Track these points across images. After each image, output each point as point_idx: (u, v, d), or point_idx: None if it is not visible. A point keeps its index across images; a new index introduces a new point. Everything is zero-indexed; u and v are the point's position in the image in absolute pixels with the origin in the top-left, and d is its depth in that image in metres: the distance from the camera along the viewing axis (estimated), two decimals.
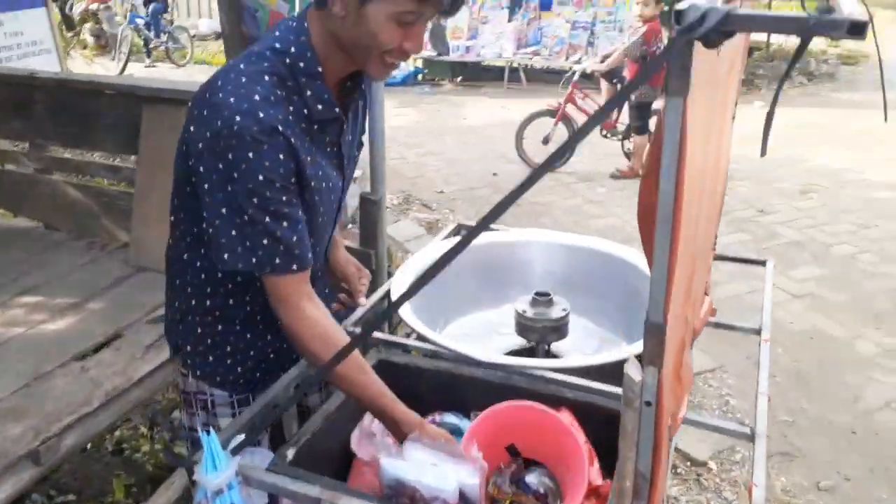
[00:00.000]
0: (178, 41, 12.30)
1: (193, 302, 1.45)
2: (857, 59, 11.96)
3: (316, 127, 1.26)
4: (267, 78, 1.18)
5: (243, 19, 2.10)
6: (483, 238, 2.31)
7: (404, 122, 8.50)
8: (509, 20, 10.37)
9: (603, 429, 1.43)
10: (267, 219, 1.19)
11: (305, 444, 1.37)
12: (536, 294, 1.89)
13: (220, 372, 1.51)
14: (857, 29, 0.58)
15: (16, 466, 1.71)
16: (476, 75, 11.03)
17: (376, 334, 1.78)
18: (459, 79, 11.14)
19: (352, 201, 5.38)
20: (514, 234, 2.30)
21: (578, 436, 1.36)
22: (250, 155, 1.14)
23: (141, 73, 11.53)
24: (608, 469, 1.38)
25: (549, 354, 1.95)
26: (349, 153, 1.42)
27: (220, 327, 1.47)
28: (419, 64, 11.39)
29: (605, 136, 6.45)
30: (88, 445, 2.61)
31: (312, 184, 1.26)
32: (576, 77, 6.22)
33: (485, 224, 0.79)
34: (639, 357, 0.94)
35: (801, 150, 6.88)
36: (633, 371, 0.90)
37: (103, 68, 10.70)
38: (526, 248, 2.28)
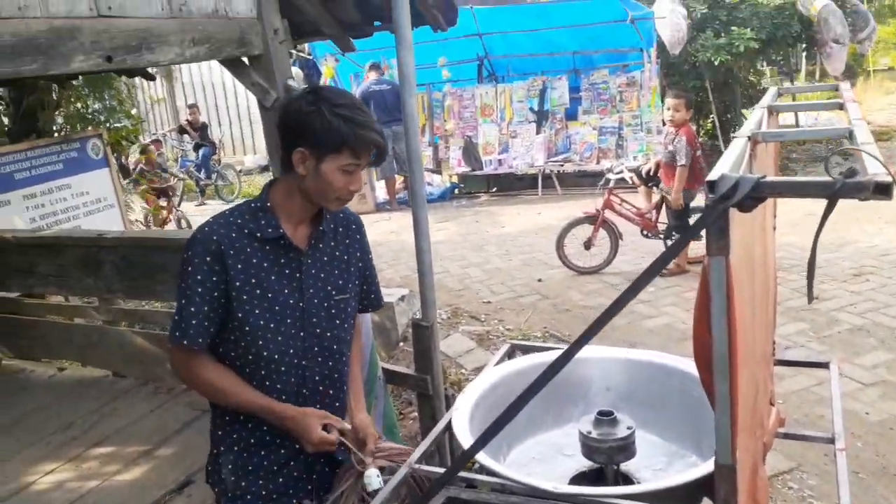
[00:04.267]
0: (226, 178, 13.03)
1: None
2: (891, 133, 11.89)
3: (267, 246, 1.68)
4: (227, 211, 1.72)
5: None
6: (539, 357, 2.33)
7: (445, 236, 8.69)
8: (537, 133, 10.75)
9: None
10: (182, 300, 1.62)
11: None
12: (599, 413, 1.87)
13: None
14: (882, 189, 0.62)
15: None
16: (510, 185, 11.34)
17: (437, 469, 1.78)
18: (494, 189, 11.45)
19: (401, 319, 5.48)
20: None
21: None
22: (189, 253, 1.63)
23: (193, 211, 12.16)
24: None
25: (619, 474, 1.91)
26: (318, 276, 1.77)
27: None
28: (455, 179, 11.77)
29: (647, 237, 6.51)
30: None
31: (237, 284, 1.64)
32: (611, 184, 6.37)
33: (578, 346, 0.82)
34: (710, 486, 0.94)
35: (846, 234, 6.77)
36: None
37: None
38: (583, 364, 2.28)
